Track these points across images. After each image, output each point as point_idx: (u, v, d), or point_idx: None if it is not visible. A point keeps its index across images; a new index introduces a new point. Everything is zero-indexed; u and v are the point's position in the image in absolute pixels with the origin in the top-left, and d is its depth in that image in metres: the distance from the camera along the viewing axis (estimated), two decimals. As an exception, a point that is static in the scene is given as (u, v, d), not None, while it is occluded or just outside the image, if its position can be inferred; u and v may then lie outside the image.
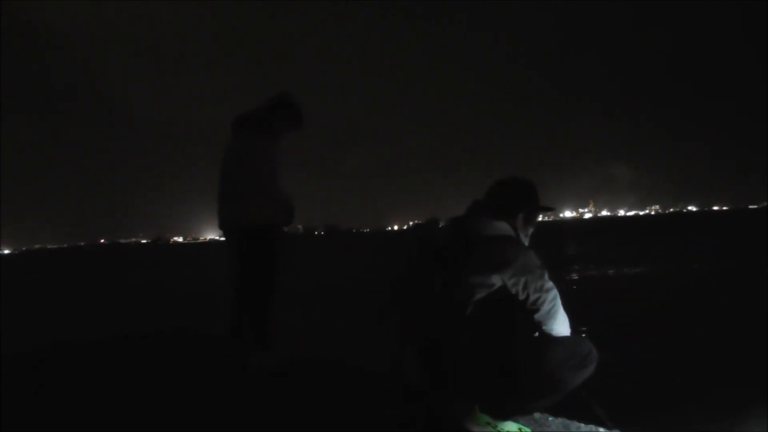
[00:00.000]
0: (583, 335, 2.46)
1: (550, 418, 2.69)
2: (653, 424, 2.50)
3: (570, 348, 2.35)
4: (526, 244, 2.57)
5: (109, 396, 3.54)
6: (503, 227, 2.46)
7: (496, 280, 2.31)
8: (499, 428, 2.37)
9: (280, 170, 3.96)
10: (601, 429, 2.54)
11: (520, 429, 2.41)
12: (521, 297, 2.33)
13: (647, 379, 3.18)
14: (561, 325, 2.39)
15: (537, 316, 2.35)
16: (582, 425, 2.60)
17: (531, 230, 2.64)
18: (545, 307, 2.33)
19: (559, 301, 2.37)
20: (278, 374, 3.69)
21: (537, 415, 2.70)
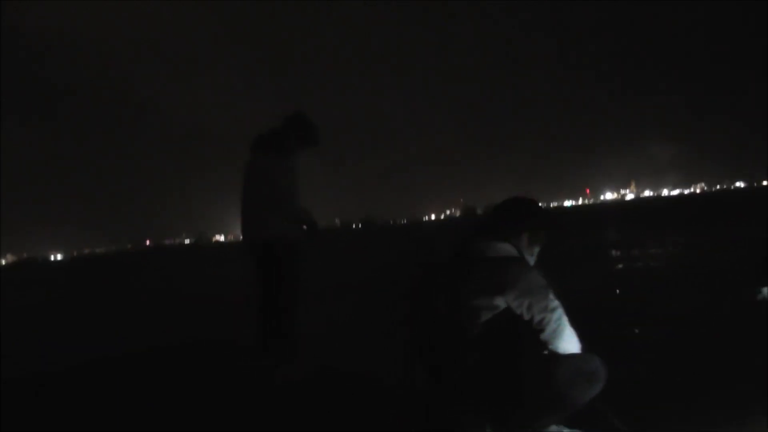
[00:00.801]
0: (592, 352, 2.49)
1: (565, 430, 2.73)
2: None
3: (577, 366, 2.39)
4: (532, 263, 2.62)
5: (141, 410, 3.75)
6: (506, 248, 2.52)
7: (501, 302, 2.37)
8: (507, 443, 2.44)
9: (298, 187, 4.11)
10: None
11: (529, 441, 2.48)
12: (526, 317, 2.38)
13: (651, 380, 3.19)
14: (568, 343, 2.43)
15: (543, 336, 2.40)
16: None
17: (537, 249, 2.68)
18: (550, 327, 2.38)
19: (564, 320, 2.41)
20: (303, 386, 3.84)
21: (553, 427, 2.75)
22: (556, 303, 2.40)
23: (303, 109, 4.25)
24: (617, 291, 7.05)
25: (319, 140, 4.26)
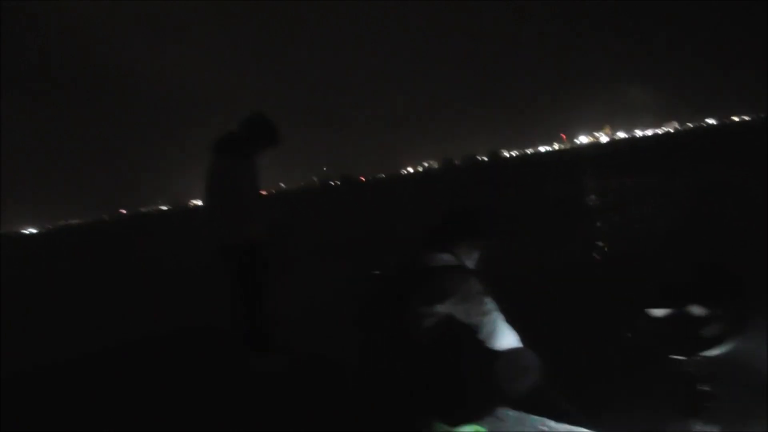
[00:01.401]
0: (527, 347, 2.77)
1: (509, 412, 3.05)
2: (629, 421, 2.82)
3: (511, 360, 2.66)
4: (473, 266, 2.87)
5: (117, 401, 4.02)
6: (446, 258, 2.76)
7: (441, 309, 2.63)
8: (456, 431, 2.75)
9: (260, 188, 4.30)
10: (551, 422, 2.90)
11: (476, 429, 2.79)
12: (466, 321, 2.64)
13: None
14: (504, 340, 2.70)
15: (480, 337, 2.66)
16: (536, 417, 2.97)
17: (477, 255, 2.92)
18: (486, 328, 2.65)
19: (499, 321, 2.68)
20: (278, 377, 4.12)
21: (499, 411, 3.06)
22: (490, 306, 2.66)
23: (261, 111, 4.36)
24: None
25: (279, 140, 4.40)
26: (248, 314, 4.26)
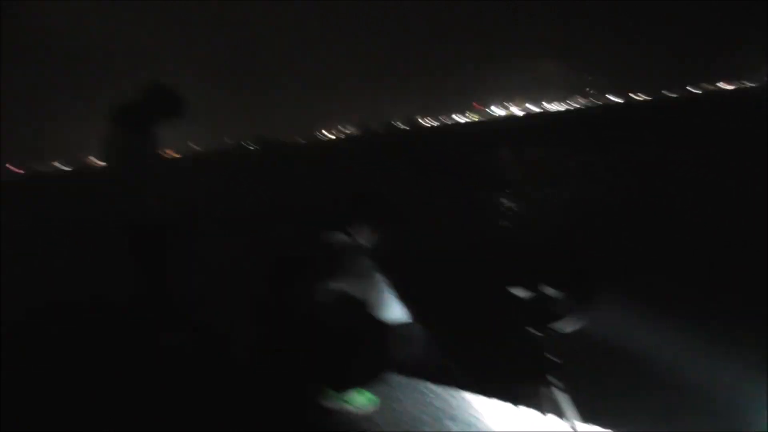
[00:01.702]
0: (414, 320, 2.96)
1: (398, 379, 3.26)
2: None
3: (400, 333, 2.86)
4: (367, 246, 3.01)
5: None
6: (340, 238, 2.89)
7: (336, 287, 2.76)
8: (345, 398, 2.93)
9: (160, 162, 4.19)
10: (436, 386, 3.13)
11: (365, 396, 2.98)
12: (358, 297, 2.79)
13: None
14: (394, 314, 2.88)
15: (372, 311, 2.83)
16: (421, 382, 3.19)
17: (372, 235, 3.07)
18: (378, 304, 2.81)
19: (389, 296, 2.85)
20: (182, 351, 4.12)
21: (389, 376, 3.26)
22: (381, 282, 2.83)
23: (162, 81, 4.19)
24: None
25: (183, 111, 4.26)
26: (151, 290, 4.20)
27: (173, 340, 4.20)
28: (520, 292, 1.92)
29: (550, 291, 1.85)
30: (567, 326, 1.91)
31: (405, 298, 2.95)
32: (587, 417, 2.45)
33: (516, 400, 2.13)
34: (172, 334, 4.23)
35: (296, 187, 29.49)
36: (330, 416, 2.89)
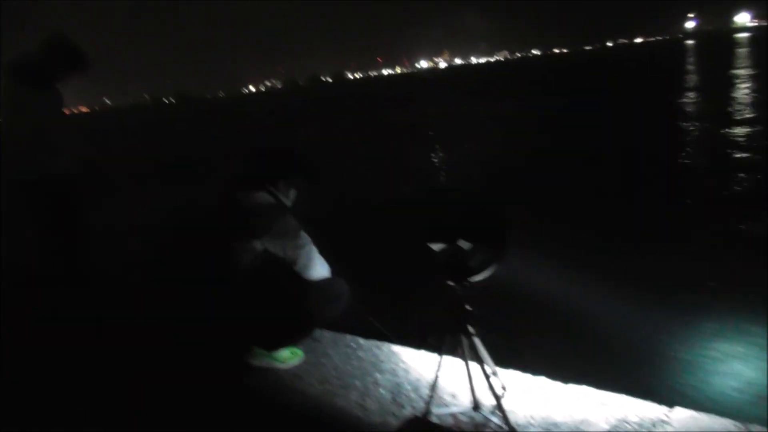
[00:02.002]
0: (339, 276, 3.00)
1: (324, 334, 3.32)
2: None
3: (324, 289, 2.88)
4: (289, 205, 2.98)
5: None
6: (262, 196, 2.83)
7: (258, 245, 2.73)
8: (273, 356, 2.94)
9: (63, 118, 3.95)
10: (361, 339, 3.21)
11: (293, 353, 3.01)
12: (281, 255, 2.78)
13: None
14: (317, 271, 2.89)
15: (296, 269, 2.83)
16: (349, 336, 3.27)
17: (294, 193, 3.03)
18: (301, 261, 2.81)
19: (313, 253, 2.85)
20: (95, 314, 3.98)
21: (316, 332, 3.31)
22: (305, 240, 2.82)
23: (64, 32, 3.90)
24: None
25: (86, 65, 4.00)
26: (59, 252, 4.00)
27: (81, 305, 4.05)
28: (436, 246, 1.98)
29: (464, 244, 1.92)
30: (481, 276, 2.00)
31: (328, 254, 2.97)
32: (503, 361, 2.61)
33: (438, 349, 2.22)
34: (80, 299, 4.08)
35: (216, 144, 28.69)
36: (258, 374, 2.91)
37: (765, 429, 2.03)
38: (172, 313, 3.07)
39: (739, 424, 2.08)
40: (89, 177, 4.09)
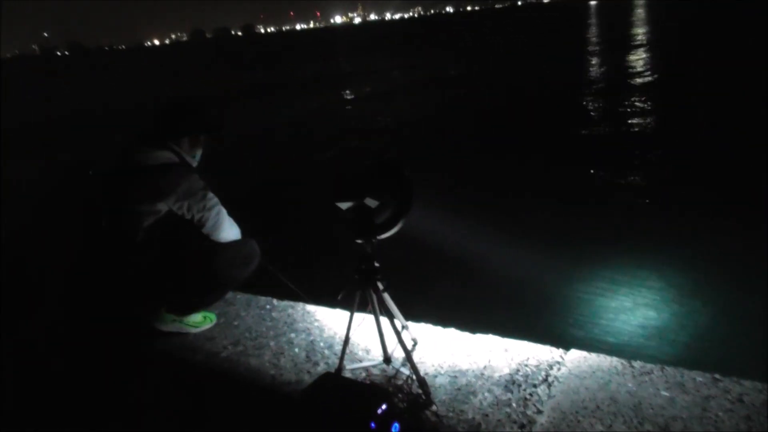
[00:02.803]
0: (249, 237, 2.93)
1: (238, 296, 3.27)
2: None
3: (234, 251, 2.82)
4: (195, 165, 2.85)
5: None
6: (165, 155, 2.68)
7: (162, 207, 2.61)
8: (185, 321, 2.87)
9: None
10: (275, 300, 3.20)
11: (204, 317, 2.95)
12: (188, 217, 2.67)
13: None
14: (227, 233, 2.81)
15: (204, 230, 2.74)
16: (262, 297, 3.24)
17: (199, 151, 2.89)
18: (209, 223, 2.72)
19: (222, 215, 2.77)
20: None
21: (230, 294, 3.26)
22: (213, 201, 2.72)
23: None
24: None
25: None
26: None
27: None
28: (344, 205, 1.98)
29: (370, 202, 1.92)
30: (388, 234, 2.03)
31: (237, 215, 2.90)
32: (414, 315, 2.70)
33: (350, 307, 2.25)
34: None
35: (114, 97, 26.92)
36: (167, 339, 2.83)
37: (645, 363, 2.24)
38: (74, 281, 2.89)
39: (624, 361, 2.27)
40: None
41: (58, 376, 2.71)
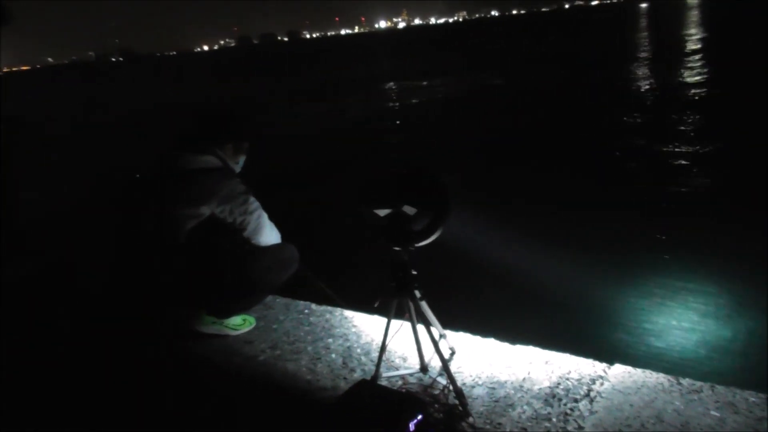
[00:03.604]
0: (288, 242, 2.96)
1: (277, 300, 3.30)
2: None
3: (274, 255, 2.85)
4: (238, 171, 2.90)
5: None
6: (209, 160, 2.74)
7: (205, 210, 2.65)
8: (225, 324, 2.91)
9: None
10: (313, 305, 3.21)
11: (244, 320, 2.99)
12: (229, 220, 2.72)
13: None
14: (268, 237, 2.85)
15: (245, 234, 2.78)
16: (301, 302, 3.26)
17: (242, 158, 2.95)
18: (250, 227, 2.76)
19: (263, 219, 2.81)
20: (30, 280, 3.86)
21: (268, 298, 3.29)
22: (254, 205, 2.76)
23: None
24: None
25: (6, 17, 3.75)
26: None
27: (15, 272, 3.92)
28: (382, 212, 1.97)
29: (408, 209, 1.91)
30: (426, 241, 2.01)
31: (278, 220, 2.93)
32: (453, 324, 2.66)
33: (387, 314, 2.24)
34: (14, 266, 3.94)
35: (163, 104, 27.80)
36: (208, 340, 2.88)
37: (694, 381, 2.14)
38: (116, 283, 2.98)
39: (671, 378, 2.18)
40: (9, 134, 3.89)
41: (99, 374, 2.78)
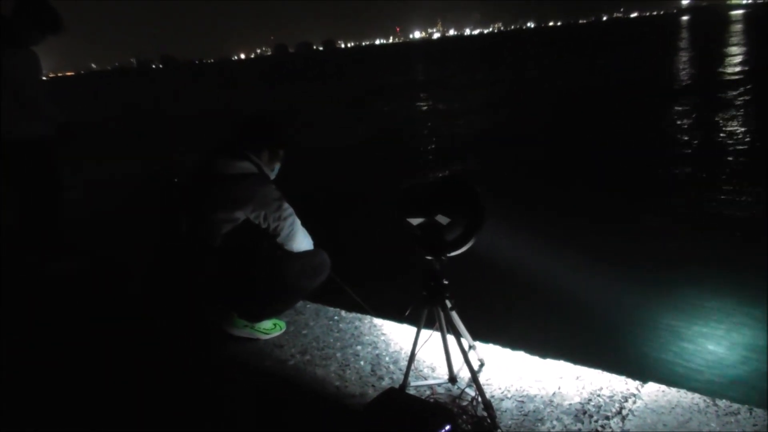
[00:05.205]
0: (320, 248, 2.99)
1: (307, 305, 3.33)
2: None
3: (306, 261, 2.88)
4: (273, 177, 2.96)
5: None
6: (245, 166, 2.80)
7: (240, 215, 2.71)
8: (256, 327, 2.95)
9: (39, 80, 3.89)
10: (343, 311, 3.23)
11: (274, 324, 3.03)
12: (263, 226, 2.77)
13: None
14: (300, 243, 2.89)
15: (278, 240, 2.82)
16: (331, 308, 3.28)
17: (278, 165, 3.00)
18: (284, 232, 2.80)
19: (296, 225, 2.84)
20: (72, 279, 3.98)
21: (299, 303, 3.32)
22: (288, 211, 2.80)
23: None
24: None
25: (60, 26, 3.91)
26: (37, 215, 3.98)
27: (59, 269, 4.04)
28: (415, 221, 1.97)
29: (442, 219, 1.91)
30: (459, 251, 2.01)
31: (311, 226, 2.96)
32: (483, 335, 2.65)
33: (417, 323, 2.24)
34: (58, 262, 4.07)
35: (200, 110, 28.44)
36: (239, 343, 2.92)
37: (731, 403, 2.08)
38: (152, 283, 3.05)
39: (707, 399, 2.12)
40: (64, 141, 4.03)
41: (134, 373, 2.85)
